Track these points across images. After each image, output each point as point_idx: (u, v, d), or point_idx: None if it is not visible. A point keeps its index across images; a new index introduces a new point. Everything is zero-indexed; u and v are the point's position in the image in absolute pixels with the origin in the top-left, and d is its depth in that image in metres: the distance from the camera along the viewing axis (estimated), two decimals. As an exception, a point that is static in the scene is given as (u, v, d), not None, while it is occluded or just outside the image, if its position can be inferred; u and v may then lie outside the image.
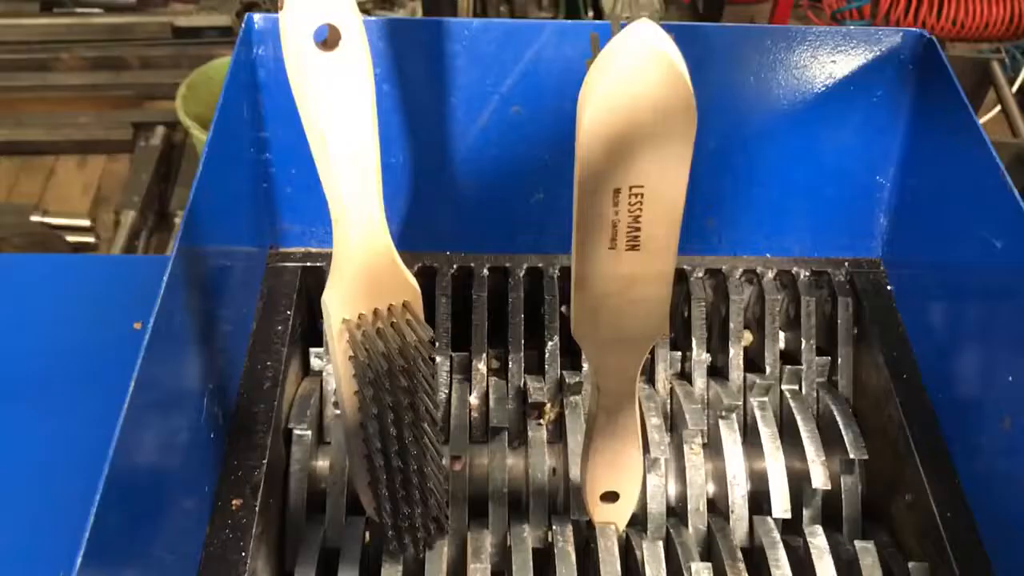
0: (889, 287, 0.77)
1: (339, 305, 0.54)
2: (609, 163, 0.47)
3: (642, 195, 0.48)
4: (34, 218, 2.28)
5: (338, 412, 0.71)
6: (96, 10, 2.76)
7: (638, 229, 0.50)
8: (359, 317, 0.55)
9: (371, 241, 0.52)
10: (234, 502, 0.62)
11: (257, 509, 0.62)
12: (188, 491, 0.59)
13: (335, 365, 0.56)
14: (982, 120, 2.03)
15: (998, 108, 2.05)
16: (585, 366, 0.75)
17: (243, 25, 0.69)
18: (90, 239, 2.28)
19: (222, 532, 0.61)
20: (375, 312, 0.55)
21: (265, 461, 0.64)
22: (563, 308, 0.77)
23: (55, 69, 2.68)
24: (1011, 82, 2.08)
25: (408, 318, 0.56)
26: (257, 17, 0.70)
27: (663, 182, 0.47)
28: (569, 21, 0.72)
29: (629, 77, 0.43)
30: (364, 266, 0.53)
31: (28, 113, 2.57)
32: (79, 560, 0.43)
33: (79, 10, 2.76)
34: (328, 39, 0.47)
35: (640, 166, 0.46)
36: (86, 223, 2.31)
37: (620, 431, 0.62)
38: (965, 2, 1.97)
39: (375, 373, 0.54)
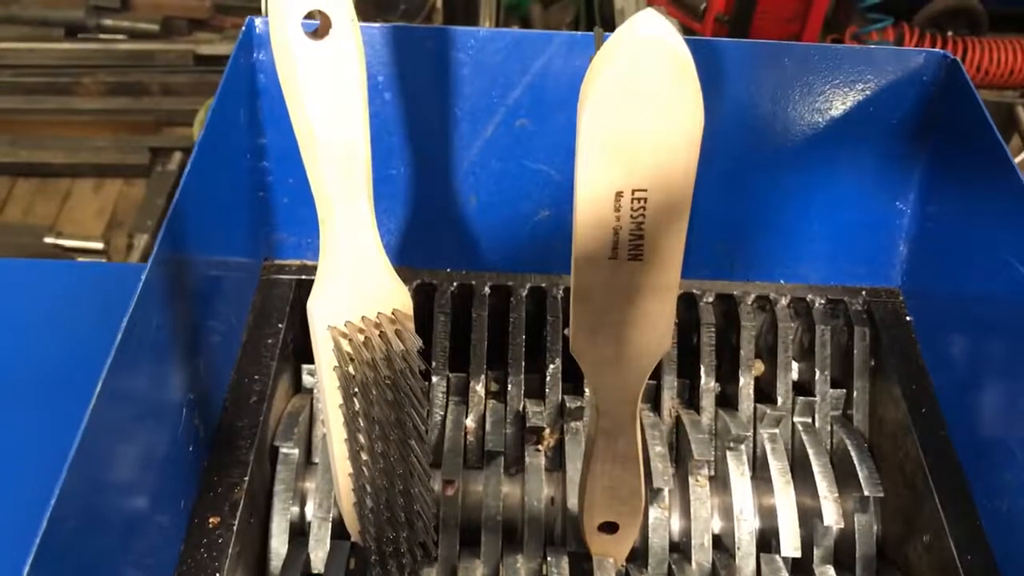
0: (908, 317, 0.74)
1: (325, 311, 0.51)
2: (611, 163, 0.44)
3: (645, 199, 0.45)
4: (47, 240, 2.27)
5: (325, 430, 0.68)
6: (120, 36, 2.78)
7: (641, 237, 0.47)
8: (346, 325, 0.52)
9: (359, 242, 0.50)
10: (211, 519, 0.59)
11: (235, 528, 0.59)
12: (162, 506, 0.56)
13: (319, 375, 0.53)
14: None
15: (1023, 155, 2.02)
16: (587, 391, 0.72)
17: (244, 28, 0.67)
18: (103, 261, 2.27)
19: (197, 551, 0.58)
20: (363, 319, 0.52)
21: (247, 478, 0.61)
22: (566, 330, 0.74)
23: (77, 93, 2.69)
24: (1034, 125, 2.05)
25: (397, 328, 0.53)
26: (258, 20, 0.68)
27: (668, 185, 0.44)
28: (579, 32, 0.69)
29: (632, 69, 0.40)
30: (352, 269, 0.50)
31: (48, 136, 2.58)
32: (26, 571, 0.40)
33: (103, 36, 2.78)
34: (318, 28, 0.45)
35: (644, 167, 0.44)
36: (99, 246, 2.30)
37: (621, 457, 0.58)
38: (990, 50, 1.95)
39: (360, 385, 0.51)
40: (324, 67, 0.45)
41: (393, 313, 0.53)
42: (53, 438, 0.71)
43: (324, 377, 0.53)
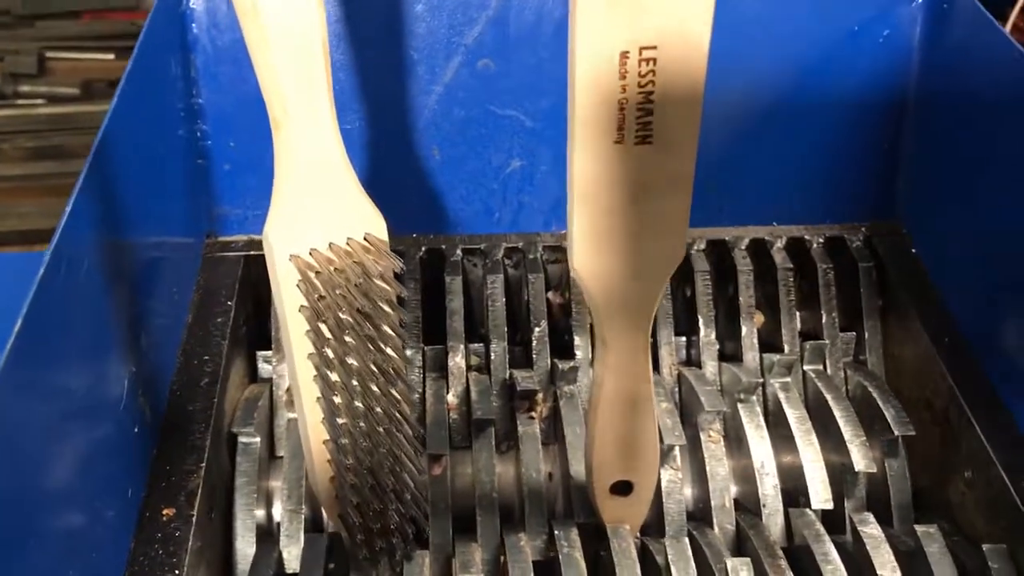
0: (914, 250, 0.68)
1: (285, 238, 0.44)
2: (613, 18, 0.38)
3: (655, 60, 0.39)
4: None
5: (292, 415, 0.60)
6: (39, 101, 2.69)
7: (650, 112, 0.40)
8: (311, 254, 0.44)
9: (322, 151, 0.43)
10: (165, 511, 0.50)
11: (194, 520, 0.50)
12: (105, 496, 0.47)
13: (282, 317, 0.46)
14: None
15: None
16: (579, 353, 0.65)
17: (169, -29, 0.60)
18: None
19: (150, 546, 0.49)
20: (330, 247, 0.45)
21: (203, 465, 0.53)
22: (549, 294, 0.68)
23: (-2, 160, 2.58)
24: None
25: (372, 252, 0.45)
26: (186, -37, 0.61)
27: (682, 41, 0.38)
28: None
29: None
30: (314, 186, 0.43)
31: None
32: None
33: (20, 102, 2.68)
34: None
35: (653, 19, 0.38)
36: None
37: (631, 399, 0.51)
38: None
39: (334, 326, 0.44)
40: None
41: (365, 238, 0.46)
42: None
43: (289, 321, 0.45)
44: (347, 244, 0.45)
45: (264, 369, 0.66)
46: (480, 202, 0.68)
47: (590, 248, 0.45)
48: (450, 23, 0.63)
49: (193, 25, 0.62)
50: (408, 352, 0.63)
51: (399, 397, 0.47)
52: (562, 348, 0.66)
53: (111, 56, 2.56)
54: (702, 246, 0.69)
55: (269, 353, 0.65)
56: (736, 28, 0.65)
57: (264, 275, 0.65)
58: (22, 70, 2.69)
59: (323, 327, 0.44)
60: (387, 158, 0.66)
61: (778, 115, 0.68)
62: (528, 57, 0.64)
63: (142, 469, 0.52)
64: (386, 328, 0.45)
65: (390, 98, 0.65)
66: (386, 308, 0.44)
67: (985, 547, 0.54)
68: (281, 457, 0.61)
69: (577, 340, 0.65)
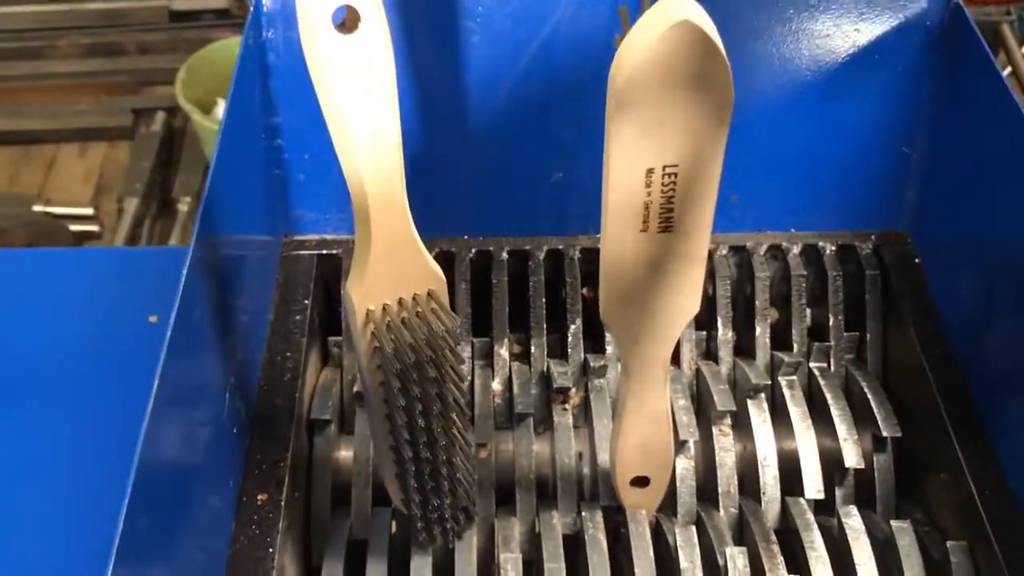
0: (917, 260, 0.75)
1: (362, 295, 0.52)
2: (642, 143, 0.45)
3: (676, 175, 0.46)
4: (37, 208, 2.26)
5: (362, 404, 0.69)
6: (90, -4, 2.73)
7: (671, 210, 0.48)
8: (383, 308, 0.53)
9: (393, 228, 0.51)
10: (259, 497, 0.61)
11: (283, 503, 0.61)
12: (214, 488, 0.58)
13: (359, 357, 0.55)
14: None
15: (1008, 70, 2.02)
16: (609, 348, 0.74)
17: (251, 8, 0.67)
18: (94, 227, 2.26)
19: (248, 528, 0.60)
20: (400, 302, 0.54)
21: (288, 454, 0.63)
22: (584, 290, 0.76)
23: (52, 57, 2.65)
24: (1021, 43, 2.05)
25: (433, 307, 0.54)
26: (266, 0, 0.68)
27: (699, 160, 0.46)
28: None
29: (663, 53, 0.41)
30: (387, 254, 0.52)
31: (26, 102, 2.55)
32: (112, 562, 0.42)
33: (73, -2, 2.73)
34: (346, 21, 0.45)
35: (675, 145, 0.45)
36: (89, 211, 2.29)
37: (650, 415, 0.60)
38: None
39: (402, 364, 0.53)
40: (354, 60, 0.45)
41: (429, 293, 0.54)
42: (71, 430, 0.73)
43: (364, 357, 0.54)
44: (414, 299, 0.54)
45: (335, 352, 0.75)
46: (525, 208, 0.75)
47: (616, 306, 0.53)
48: (502, 53, 0.70)
49: (271, 54, 0.69)
50: (464, 357, 0.72)
51: (456, 419, 0.56)
52: (595, 339, 0.75)
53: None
54: (725, 251, 0.76)
55: (339, 338, 0.75)
56: (760, 52, 0.71)
57: (334, 269, 0.75)
58: (74, -35, 2.73)
59: (392, 365, 0.53)
60: (443, 169, 0.74)
61: (798, 133, 0.74)
62: (572, 82, 0.71)
63: (239, 462, 0.62)
64: (446, 369, 0.54)
65: (448, 117, 0.72)
66: (447, 353, 0.53)
67: (949, 543, 0.63)
68: (352, 433, 0.71)
69: (608, 336, 0.74)
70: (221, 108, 2.23)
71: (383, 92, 0.47)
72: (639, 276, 0.51)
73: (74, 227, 2.22)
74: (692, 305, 0.54)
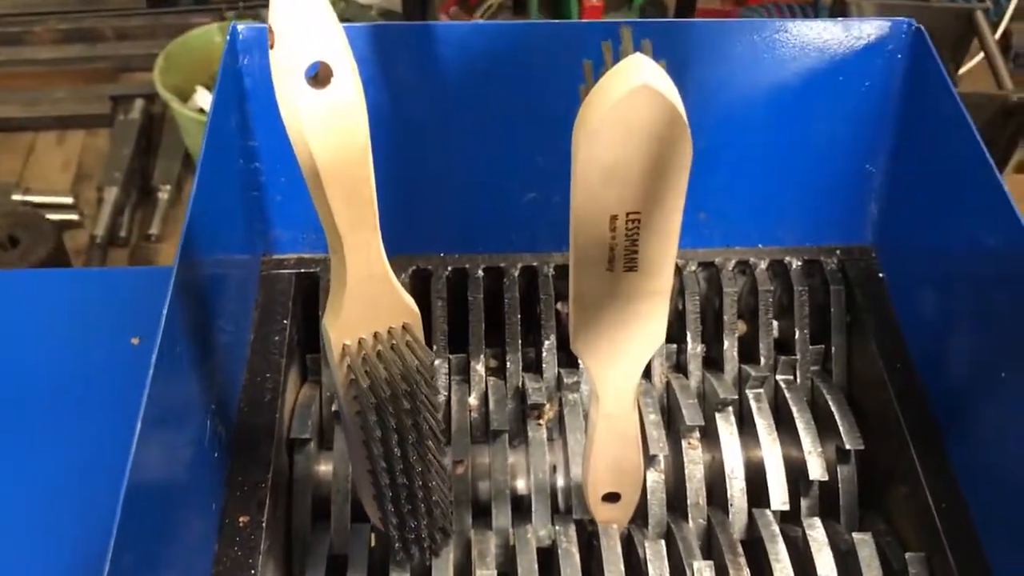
0: (881, 275, 0.78)
1: (339, 330, 0.54)
2: (605, 192, 0.47)
3: (639, 220, 0.48)
4: (15, 196, 2.25)
5: (339, 421, 0.71)
6: (69, -19, 2.71)
7: (635, 252, 0.50)
8: (359, 341, 0.55)
9: (369, 269, 0.53)
10: (241, 519, 0.63)
11: (264, 524, 0.63)
12: (197, 511, 0.60)
13: (336, 388, 0.56)
14: (965, 69, 2.01)
15: (981, 55, 2.04)
16: (582, 364, 0.76)
17: (228, 36, 0.68)
18: (74, 216, 2.26)
19: (231, 550, 0.61)
20: (375, 336, 0.55)
21: (269, 475, 0.65)
22: (558, 305, 0.78)
23: (29, 43, 2.63)
24: (995, 28, 2.06)
25: (409, 340, 0.56)
26: (241, 27, 0.69)
27: (661, 206, 0.47)
28: (561, 22, 0.71)
29: (623, 114, 0.43)
30: (362, 292, 0.53)
31: (3, 89, 2.53)
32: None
33: (50, -19, 2.71)
34: (319, 75, 0.47)
35: (637, 195, 0.47)
36: (69, 200, 2.29)
37: (621, 436, 0.62)
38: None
39: (378, 398, 0.54)
40: (328, 113, 0.47)
41: (404, 327, 0.56)
42: (51, 452, 0.74)
43: (341, 390, 0.56)
44: (389, 332, 0.55)
45: (314, 368, 0.77)
46: (500, 227, 0.77)
47: (586, 336, 0.55)
48: (478, 80, 0.71)
49: (247, 79, 0.70)
50: (436, 361, 0.74)
51: (431, 445, 0.58)
52: (569, 353, 0.77)
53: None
54: (694, 267, 0.78)
55: (317, 355, 0.76)
56: (726, 74, 0.72)
57: (313, 287, 0.76)
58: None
59: (368, 398, 0.55)
60: (420, 190, 0.75)
61: (764, 152, 0.76)
62: (545, 110, 0.72)
63: (221, 485, 0.64)
64: (421, 400, 0.55)
65: (424, 140, 0.73)
66: (422, 385, 0.55)
67: (908, 555, 0.66)
68: (331, 449, 0.73)
69: (581, 351, 0.76)
70: (200, 96, 2.23)
71: (357, 142, 0.48)
72: (607, 310, 0.53)
73: (53, 216, 2.22)
74: (657, 336, 0.56)
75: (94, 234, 2.17)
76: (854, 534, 0.67)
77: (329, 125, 0.47)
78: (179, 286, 0.56)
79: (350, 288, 0.53)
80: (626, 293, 0.52)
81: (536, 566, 0.66)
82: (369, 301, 0.54)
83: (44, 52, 2.72)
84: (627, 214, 0.48)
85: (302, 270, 0.76)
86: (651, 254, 0.50)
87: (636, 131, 0.43)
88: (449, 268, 0.77)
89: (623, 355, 0.56)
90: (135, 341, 0.74)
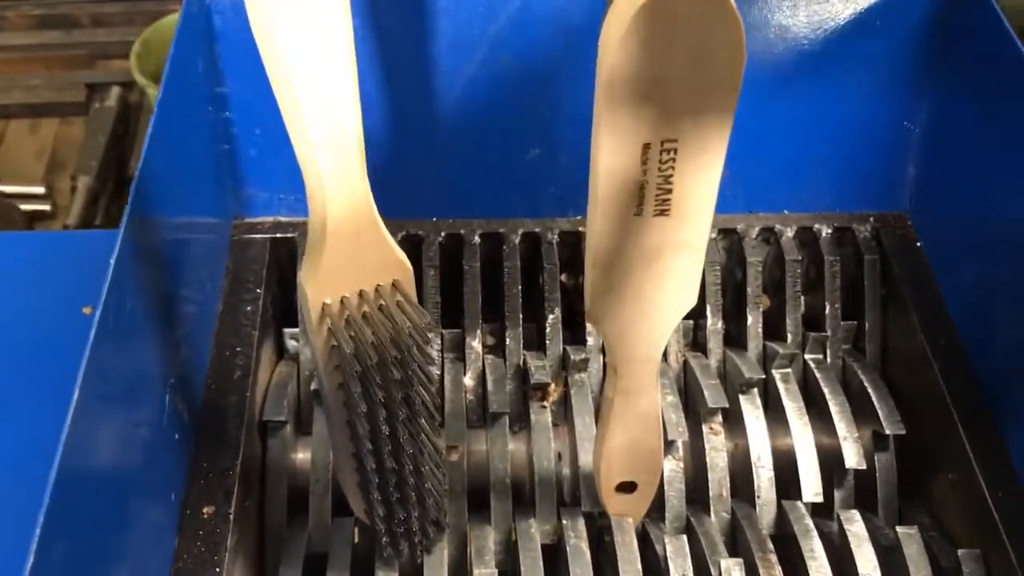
0: (919, 243, 0.70)
1: (317, 287, 0.46)
2: (638, 113, 0.39)
3: (676, 151, 0.40)
4: (-15, 187, 2.17)
5: (319, 403, 0.63)
6: (42, -35, 2.63)
7: (669, 192, 0.42)
8: (342, 301, 0.47)
9: (352, 209, 0.45)
10: (205, 510, 0.55)
11: (232, 516, 0.55)
12: (152, 500, 0.52)
13: (315, 356, 0.49)
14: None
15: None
16: (591, 340, 0.68)
17: (194, -35, 0.61)
18: (46, 207, 2.17)
19: (193, 545, 0.53)
20: (360, 294, 0.47)
21: (238, 461, 0.57)
22: (563, 277, 0.70)
23: (2, 29, 2.54)
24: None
25: (399, 299, 0.48)
26: (209, -46, 0.61)
27: (702, 134, 0.40)
28: (565, -48, 0.64)
29: (663, 9, 0.35)
30: (345, 240, 0.45)
31: (-26, 76, 2.44)
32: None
33: (24, -34, 2.62)
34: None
35: (675, 116, 0.39)
36: (40, 190, 2.19)
37: (639, 417, 0.55)
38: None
39: (363, 366, 0.47)
40: (307, 31, 0.39)
41: (394, 284, 0.48)
42: (9, 424, 0.66)
43: (321, 357, 0.48)
44: (376, 290, 0.48)
45: (291, 345, 0.69)
46: (498, 188, 0.69)
47: (605, 302, 0.47)
48: (473, 17, 0.63)
49: (217, 17, 0.63)
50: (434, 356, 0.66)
51: (424, 424, 0.50)
52: (574, 330, 0.70)
53: (114, -79, 2.49)
54: (713, 234, 0.71)
55: (295, 331, 0.68)
56: (753, 18, 0.65)
57: (290, 254, 0.68)
58: (23, -67, 2.62)
59: (352, 366, 0.47)
60: (409, 146, 0.67)
61: (794, 108, 0.68)
62: (549, 51, 0.65)
63: (182, 471, 0.56)
64: (414, 369, 0.48)
65: (415, 89, 0.66)
66: (415, 352, 0.47)
67: (960, 552, 0.58)
68: (310, 434, 0.65)
69: (589, 327, 0.68)
70: (178, 83, 2.15)
71: (340, 65, 0.41)
72: (630, 266, 0.46)
73: (25, 206, 2.13)
74: (689, 299, 0.48)
75: (67, 224, 2.08)
76: (898, 528, 0.60)
77: (308, 44, 0.39)
78: (127, 248, 0.48)
79: (331, 236, 0.45)
80: (655, 244, 0.45)
81: (540, 563, 0.58)
82: (353, 253, 0.46)
83: (17, 38, 2.63)
84: (662, 142, 0.40)
85: (278, 235, 0.69)
86: (688, 194, 0.42)
87: (678, 33, 0.36)
88: (442, 234, 0.69)
89: (648, 320, 0.49)
90: (87, 311, 0.66)
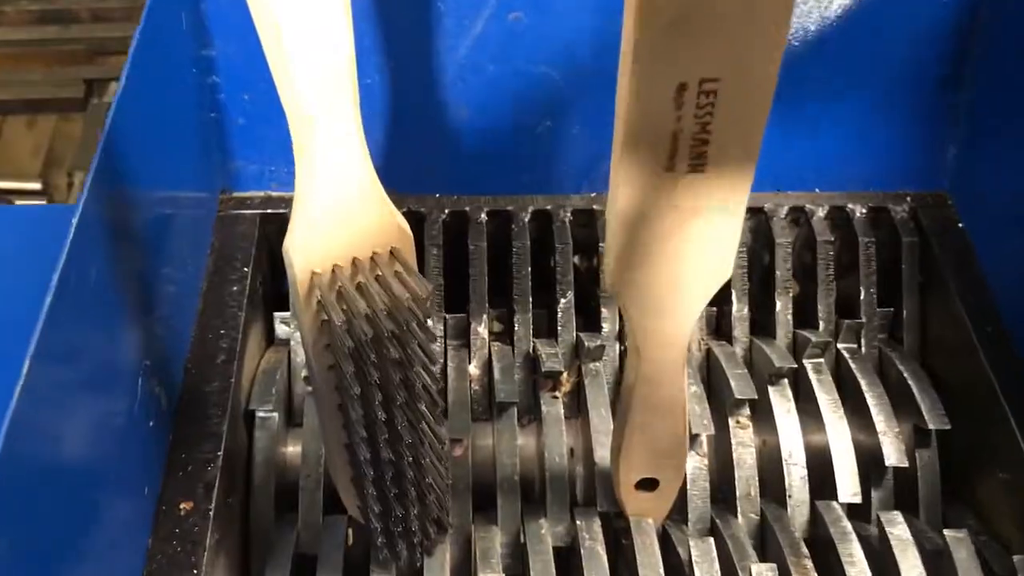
0: (960, 224, 0.65)
1: (305, 254, 0.41)
2: (672, 49, 0.34)
3: (716, 92, 0.35)
4: (-20, 182, 2.13)
5: (310, 389, 0.58)
6: (41, -40, 2.59)
7: (706, 142, 0.37)
8: (333, 270, 0.42)
9: (347, 170, 0.40)
10: (183, 505, 0.50)
11: (212, 512, 0.50)
12: (121, 494, 0.47)
13: (303, 333, 0.43)
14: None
15: None
16: (606, 326, 0.63)
17: (178, -88, 0.56)
18: (43, 203, 2.13)
19: (168, 544, 0.48)
20: (354, 262, 0.42)
21: (221, 452, 0.52)
22: (576, 259, 0.65)
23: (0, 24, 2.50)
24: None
25: (397, 269, 0.43)
26: (195, -99, 0.56)
27: (747, 73, 0.35)
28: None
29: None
30: (337, 203, 0.40)
31: (-29, 71, 2.40)
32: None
33: (23, -39, 2.59)
34: None
35: (717, 50, 0.34)
36: (37, 186, 2.14)
37: (663, 406, 0.49)
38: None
39: (356, 342, 0.41)
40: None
41: (392, 252, 0.43)
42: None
43: (309, 336, 0.43)
44: (372, 259, 0.42)
45: (281, 330, 0.64)
46: (507, 162, 0.65)
47: (629, 268, 0.42)
48: (478, -26, 0.59)
49: (204, -29, 0.58)
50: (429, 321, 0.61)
51: (425, 411, 0.45)
52: (588, 315, 0.64)
53: (116, -82, 2.46)
54: (739, 213, 0.65)
55: (287, 315, 0.63)
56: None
57: (281, 232, 0.63)
58: (24, -74, 2.59)
59: (344, 343, 0.42)
60: (412, 115, 0.63)
61: (826, 78, 0.63)
62: (562, 10, 0.60)
63: (158, 463, 0.50)
64: (413, 348, 0.42)
65: (415, 51, 0.61)
66: (414, 328, 0.42)
67: (1016, 557, 0.53)
68: (300, 425, 0.60)
69: (604, 312, 0.63)
70: (177, 76, 2.11)
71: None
72: (659, 231, 0.40)
73: (22, 203, 2.09)
74: (723, 271, 0.43)
75: (61, 220, 2.04)
76: (946, 532, 0.54)
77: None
78: (93, 217, 0.43)
79: (321, 197, 0.40)
80: (689, 205, 0.39)
81: (552, 568, 0.53)
82: (346, 217, 0.41)
83: (15, 34, 2.58)
84: (700, 82, 0.35)
85: (269, 210, 0.64)
86: (728, 147, 0.37)
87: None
88: (446, 211, 0.64)
89: (676, 295, 0.43)
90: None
